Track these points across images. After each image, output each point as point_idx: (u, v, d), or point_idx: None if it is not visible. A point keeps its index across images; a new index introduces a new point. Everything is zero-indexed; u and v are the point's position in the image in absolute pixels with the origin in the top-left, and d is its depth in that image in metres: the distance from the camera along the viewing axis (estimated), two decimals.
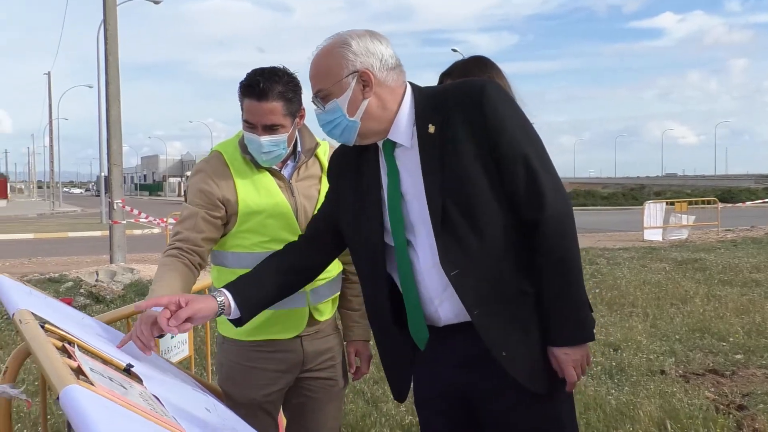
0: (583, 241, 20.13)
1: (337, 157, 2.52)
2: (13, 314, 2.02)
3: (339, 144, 2.44)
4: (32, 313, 2.01)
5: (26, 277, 12.76)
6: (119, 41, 15.11)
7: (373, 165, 2.35)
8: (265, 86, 2.68)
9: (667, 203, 23.47)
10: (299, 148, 2.92)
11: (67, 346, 1.91)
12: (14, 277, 2.60)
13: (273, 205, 2.81)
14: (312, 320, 2.93)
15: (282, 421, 3.27)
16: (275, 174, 2.87)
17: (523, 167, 2.17)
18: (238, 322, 2.44)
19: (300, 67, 2.58)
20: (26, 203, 73.21)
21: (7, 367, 2.38)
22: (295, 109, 2.77)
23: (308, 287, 2.83)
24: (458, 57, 3.33)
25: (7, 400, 2.30)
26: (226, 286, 2.41)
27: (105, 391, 1.55)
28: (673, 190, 67.12)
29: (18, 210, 52.20)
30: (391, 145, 2.28)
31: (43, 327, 2.04)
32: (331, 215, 2.51)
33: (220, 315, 2.37)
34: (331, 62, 2.22)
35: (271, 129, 2.72)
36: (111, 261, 14.59)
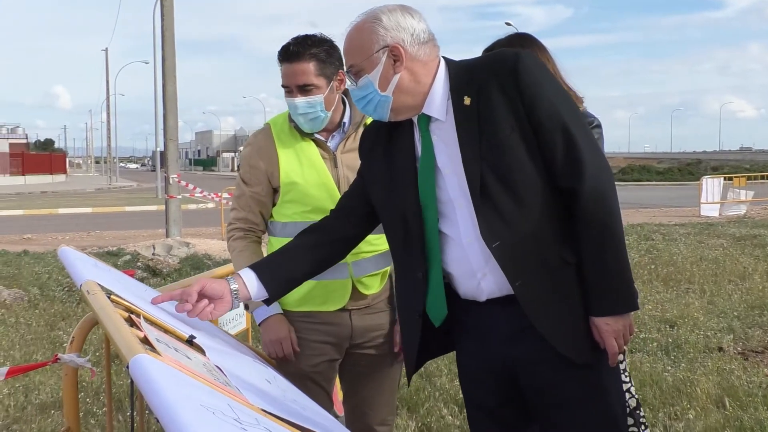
0: (638, 217, 19.91)
1: (369, 132, 2.52)
2: (81, 285, 2.08)
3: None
4: (98, 284, 2.06)
5: (86, 250, 13.04)
6: (175, 18, 15.28)
7: (406, 140, 2.34)
8: (295, 48, 2.77)
9: (725, 178, 23.01)
10: (345, 119, 2.93)
11: (132, 317, 1.96)
12: (78, 250, 2.66)
13: (314, 175, 2.84)
14: (358, 294, 2.91)
15: (339, 394, 3.30)
16: (320, 145, 2.90)
17: (562, 135, 2.15)
18: (267, 302, 2.46)
19: None
20: (84, 178, 74.70)
21: (73, 337, 2.44)
22: (330, 72, 2.81)
23: (350, 259, 2.82)
24: (512, 31, 3.33)
25: (73, 368, 2.37)
26: (251, 266, 2.43)
27: (171, 360, 1.58)
28: (731, 165, 65.66)
29: (77, 185, 53.29)
30: (426, 120, 2.28)
31: (108, 298, 2.09)
32: (362, 189, 2.52)
33: (236, 298, 2.35)
34: (363, 37, 2.24)
35: (304, 90, 2.78)
36: (167, 235, 14.83)
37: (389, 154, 2.39)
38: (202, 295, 2.28)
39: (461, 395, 5.06)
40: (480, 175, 2.17)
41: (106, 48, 62.86)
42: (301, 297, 2.87)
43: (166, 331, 2.10)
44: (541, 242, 2.20)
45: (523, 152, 2.15)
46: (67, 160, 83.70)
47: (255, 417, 1.40)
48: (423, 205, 2.29)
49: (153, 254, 11.71)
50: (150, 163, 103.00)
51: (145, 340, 1.74)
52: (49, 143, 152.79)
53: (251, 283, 2.38)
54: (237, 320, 4.29)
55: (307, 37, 2.80)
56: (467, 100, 2.21)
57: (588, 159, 2.15)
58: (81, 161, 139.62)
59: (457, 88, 2.24)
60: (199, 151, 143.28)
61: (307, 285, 2.79)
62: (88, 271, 2.20)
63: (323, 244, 2.51)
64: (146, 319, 2.01)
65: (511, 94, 2.15)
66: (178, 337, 2.11)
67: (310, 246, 2.50)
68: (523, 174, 2.16)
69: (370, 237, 2.80)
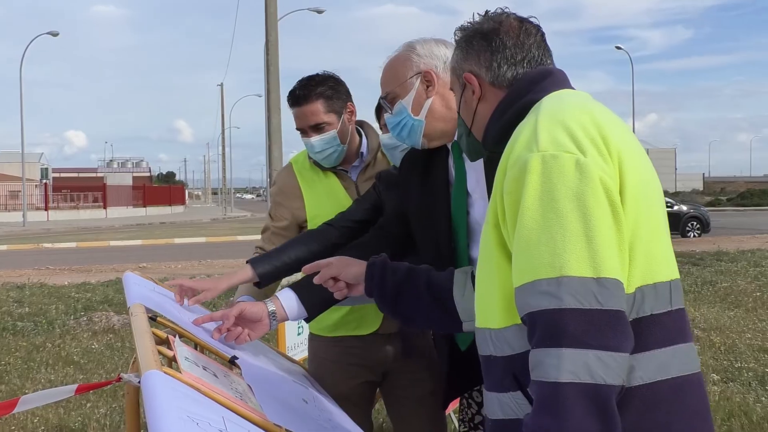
0: (754, 243, 19.15)
1: (408, 157, 2.57)
2: (129, 307, 2.23)
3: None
4: (144, 306, 2.20)
5: (194, 277, 13.49)
6: (282, 52, 15.90)
7: (442, 166, 2.39)
8: (300, 92, 2.89)
9: None
10: (363, 149, 3.03)
11: (170, 337, 2.08)
12: (143, 275, 2.83)
13: (338, 206, 2.91)
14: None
15: None
16: (341, 176, 3.00)
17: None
18: (307, 320, 2.54)
19: None
20: (202, 209, 77.32)
21: (135, 358, 2.60)
22: (338, 106, 2.91)
23: None
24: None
25: (134, 387, 2.52)
26: (291, 286, 2.49)
27: (190, 378, 1.69)
28: None
29: (194, 215, 55.23)
30: (459, 146, 2.29)
31: (155, 319, 2.23)
32: (400, 211, 2.55)
33: (274, 319, 2.40)
34: (397, 65, 2.35)
35: (317, 129, 2.89)
36: None
37: (425, 180, 2.43)
38: (241, 319, 2.36)
39: None
40: None
41: (222, 83, 65.30)
42: (335, 323, 2.95)
43: (209, 350, 2.23)
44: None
45: None
46: (186, 191, 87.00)
47: (248, 429, 1.49)
48: (455, 230, 2.33)
49: None
50: (264, 193, 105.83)
51: (173, 359, 1.86)
52: (170, 176, 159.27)
53: (289, 303, 2.42)
54: (305, 345, 4.40)
55: (310, 78, 2.92)
56: None
57: None
58: (200, 193, 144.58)
59: None
60: None
61: (341, 311, 2.87)
62: (140, 295, 2.35)
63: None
64: (187, 339, 2.14)
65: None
66: (221, 357, 2.23)
67: None
68: None
69: None
